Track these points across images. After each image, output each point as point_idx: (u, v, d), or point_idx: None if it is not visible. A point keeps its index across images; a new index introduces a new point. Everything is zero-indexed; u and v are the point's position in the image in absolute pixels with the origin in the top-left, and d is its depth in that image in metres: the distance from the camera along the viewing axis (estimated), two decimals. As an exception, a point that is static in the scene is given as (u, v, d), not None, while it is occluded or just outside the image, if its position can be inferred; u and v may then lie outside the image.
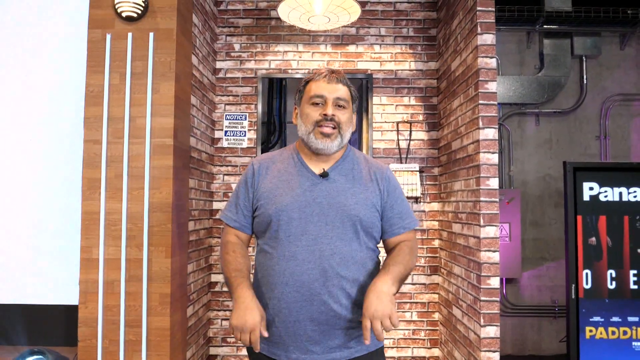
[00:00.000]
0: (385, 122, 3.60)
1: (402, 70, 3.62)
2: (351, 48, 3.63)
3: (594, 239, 3.11)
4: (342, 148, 1.60)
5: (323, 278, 1.44)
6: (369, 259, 1.54)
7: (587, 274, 3.10)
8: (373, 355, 1.54)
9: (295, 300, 1.44)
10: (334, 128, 1.52)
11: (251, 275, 1.52)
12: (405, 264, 1.52)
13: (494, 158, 2.70)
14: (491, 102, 2.71)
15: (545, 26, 4.16)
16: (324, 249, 1.45)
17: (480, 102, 2.71)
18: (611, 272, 3.11)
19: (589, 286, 3.09)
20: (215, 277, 3.52)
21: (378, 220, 1.56)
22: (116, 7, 2.55)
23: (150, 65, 2.58)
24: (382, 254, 1.64)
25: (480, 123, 2.70)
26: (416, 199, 3.55)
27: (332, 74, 1.55)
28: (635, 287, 3.09)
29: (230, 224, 1.60)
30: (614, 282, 3.10)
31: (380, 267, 1.55)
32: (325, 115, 1.50)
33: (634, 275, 3.10)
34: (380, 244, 1.65)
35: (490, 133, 2.71)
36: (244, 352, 3.48)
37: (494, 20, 2.73)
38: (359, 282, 1.49)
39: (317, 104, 1.53)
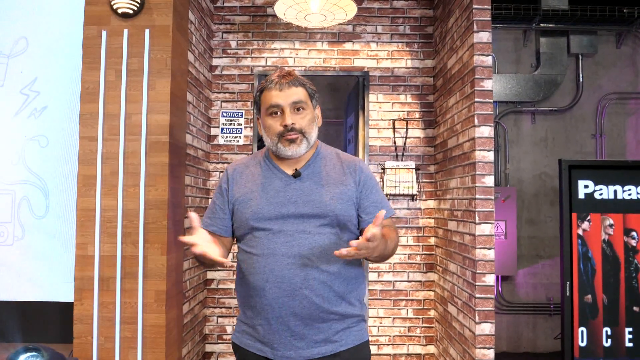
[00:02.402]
0: (382, 119, 3.60)
1: (398, 67, 3.62)
2: (348, 45, 3.63)
3: (589, 296, 3.09)
4: (312, 148, 1.60)
5: (303, 272, 1.44)
6: None
7: (582, 331, 3.06)
8: (358, 348, 1.54)
9: (277, 297, 1.44)
10: (297, 134, 1.51)
11: (220, 249, 1.48)
12: (394, 244, 1.55)
13: (490, 156, 2.71)
14: (487, 99, 2.72)
15: (541, 24, 4.17)
16: (303, 244, 1.46)
17: (476, 99, 2.71)
18: (607, 330, 3.07)
19: (584, 344, 3.05)
20: (211, 275, 3.53)
21: (355, 212, 1.56)
22: (112, 3, 2.54)
23: (146, 62, 2.58)
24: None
25: (476, 121, 2.71)
26: (412, 197, 3.56)
27: (283, 79, 1.51)
28: (631, 345, 3.05)
29: (207, 229, 1.59)
30: (609, 340, 3.06)
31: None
32: (285, 125, 1.49)
33: (630, 332, 3.07)
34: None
35: (486, 131, 2.71)
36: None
37: (490, 18, 2.74)
38: (340, 275, 1.50)
39: (276, 113, 1.52)
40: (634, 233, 3.13)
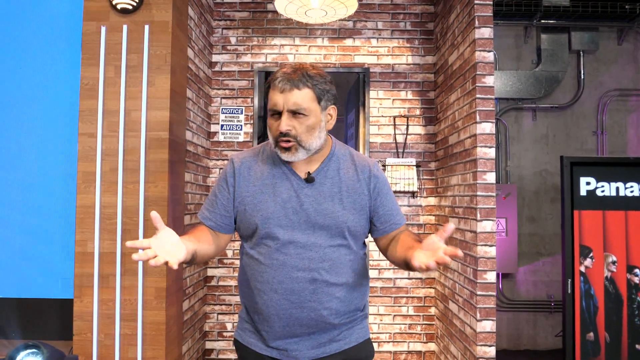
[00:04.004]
0: (382, 116, 3.59)
1: (399, 64, 3.61)
2: (348, 42, 3.61)
3: (592, 334, 3.07)
4: (326, 147, 1.51)
5: (313, 286, 1.41)
6: (357, 261, 1.52)
7: None
8: (361, 346, 1.54)
9: (285, 308, 1.42)
10: (290, 142, 1.41)
11: (199, 246, 1.39)
12: None
13: (491, 152, 2.69)
14: (488, 96, 2.70)
15: (542, 21, 4.15)
16: (313, 257, 1.42)
17: (478, 96, 2.70)
18: None
19: None
20: (211, 272, 3.52)
21: (367, 222, 1.52)
22: (111, -2, 2.53)
23: (145, 58, 2.56)
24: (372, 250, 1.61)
25: (478, 117, 2.70)
26: (413, 194, 3.55)
27: (287, 78, 1.39)
28: None
29: (206, 223, 1.52)
30: None
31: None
32: (280, 132, 1.39)
33: None
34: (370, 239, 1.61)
35: (487, 127, 2.70)
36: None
37: (491, 14, 2.72)
38: (348, 285, 1.47)
39: (275, 114, 1.42)
40: (637, 270, 3.11)
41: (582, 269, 3.10)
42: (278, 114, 1.41)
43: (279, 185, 1.47)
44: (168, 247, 1.22)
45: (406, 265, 1.35)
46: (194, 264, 1.46)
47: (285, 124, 1.39)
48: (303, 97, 1.40)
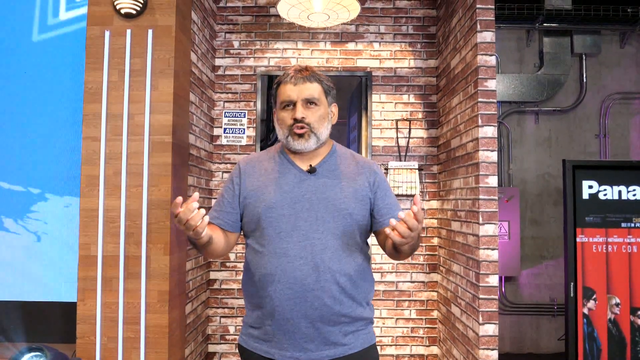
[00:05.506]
0: (385, 119, 3.59)
1: (401, 68, 3.62)
2: (350, 45, 3.63)
3: None
4: (327, 145, 1.61)
5: (315, 274, 1.44)
6: (360, 253, 1.55)
7: None
8: (367, 351, 1.54)
9: (288, 298, 1.44)
10: (304, 128, 1.52)
11: (213, 234, 1.48)
12: (419, 241, 1.56)
13: (493, 156, 2.70)
14: (491, 99, 2.71)
15: (545, 24, 4.15)
16: (315, 244, 1.46)
17: (480, 99, 2.70)
18: None
19: None
20: (214, 275, 3.52)
21: (368, 213, 1.56)
22: (115, 3, 2.55)
23: (149, 62, 2.58)
24: (375, 251, 1.62)
25: (480, 121, 2.70)
26: (415, 197, 3.54)
27: (299, 74, 1.53)
28: None
29: (213, 221, 1.59)
30: None
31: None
32: (295, 119, 1.51)
33: None
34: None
35: (489, 131, 2.70)
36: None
37: (493, 18, 2.73)
38: (351, 276, 1.49)
39: (288, 106, 1.54)
40: None
41: (585, 310, 3.09)
42: (292, 105, 1.53)
43: (281, 178, 1.54)
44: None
45: (394, 249, 1.42)
46: (206, 250, 1.51)
47: (301, 111, 1.51)
48: (314, 88, 1.54)
